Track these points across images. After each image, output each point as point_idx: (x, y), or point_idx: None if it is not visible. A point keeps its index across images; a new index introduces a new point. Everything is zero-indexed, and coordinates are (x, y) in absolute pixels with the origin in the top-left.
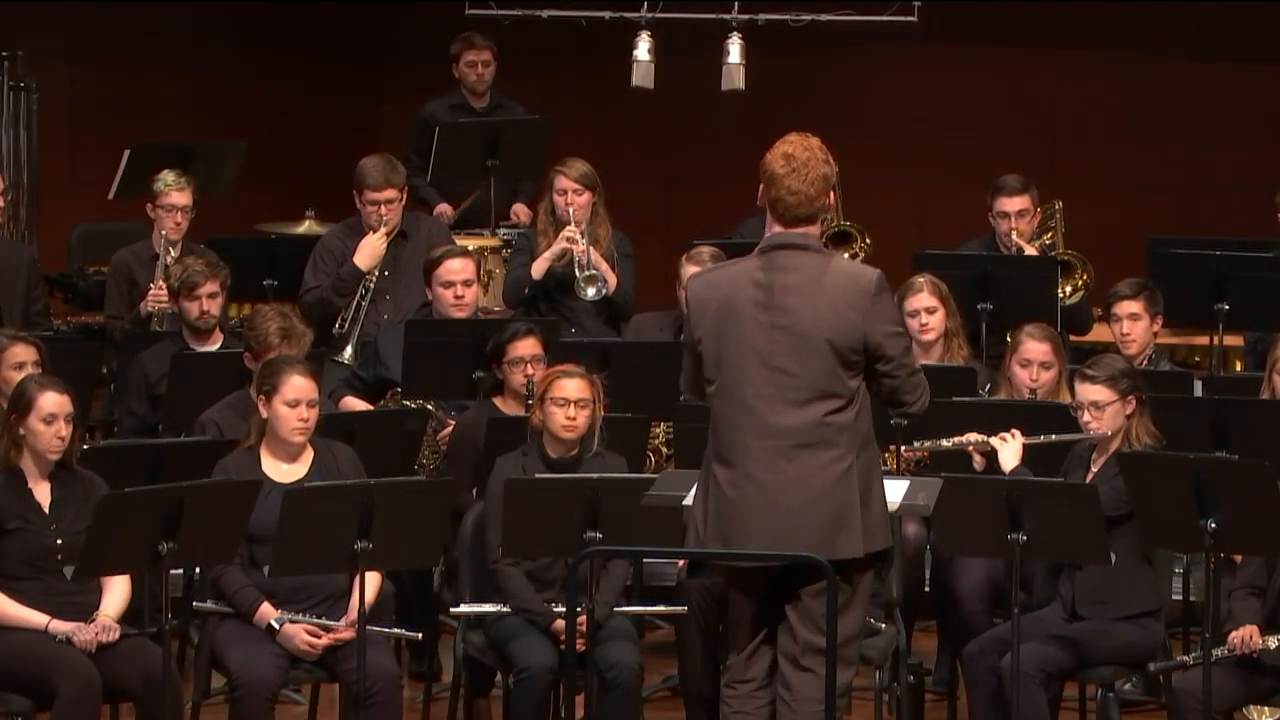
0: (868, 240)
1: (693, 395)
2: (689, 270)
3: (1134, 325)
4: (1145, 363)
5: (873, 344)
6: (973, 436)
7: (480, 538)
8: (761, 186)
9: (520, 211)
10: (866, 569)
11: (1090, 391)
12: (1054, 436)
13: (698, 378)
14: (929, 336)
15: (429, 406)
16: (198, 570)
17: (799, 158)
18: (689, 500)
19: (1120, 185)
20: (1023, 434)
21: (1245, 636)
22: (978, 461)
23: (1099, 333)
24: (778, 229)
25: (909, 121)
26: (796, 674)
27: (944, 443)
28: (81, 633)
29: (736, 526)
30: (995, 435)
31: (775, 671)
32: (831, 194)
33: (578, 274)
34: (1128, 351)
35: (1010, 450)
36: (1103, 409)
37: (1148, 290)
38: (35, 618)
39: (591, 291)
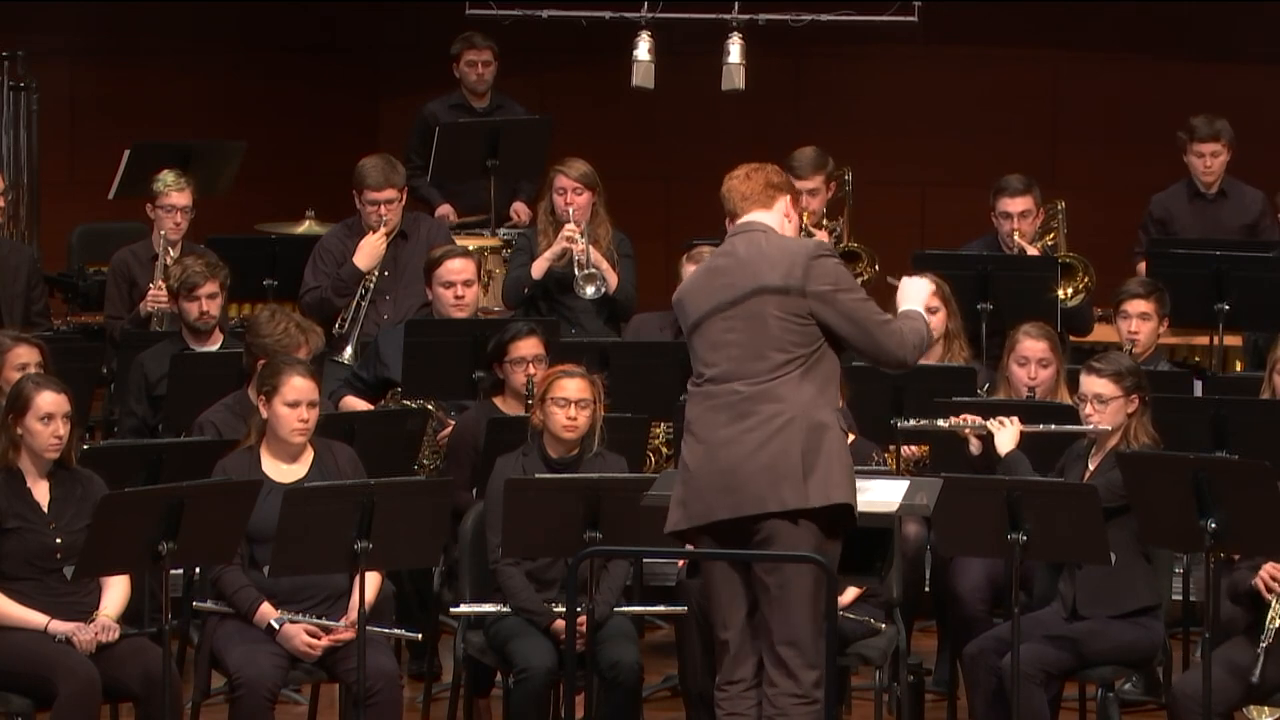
0: (876, 267)
1: None
2: (690, 269)
3: (1143, 325)
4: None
5: (817, 309)
6: (969, 418)
7: (480, 538)
8: (726, 220)
9: (520, 210)
10: (821, 528)
11: (1094, 384)
12: (1053, 426)
13: None
14: None
15: (429, 406)
16: (198, 570)
17: (751, 163)
18: None
19: (1120, 185)
20: (1021, 423)
21: (1270, 571)
22: (974, 445)
23: (1101, 332)
24: (735, 225)
25: (909, 121)
26: (777, 669)
27: (939, 422)
28: (81, 633)
29: (689, 488)
30: (993, 419)
31: (763, 669)
32: (789, 196)
33: (577, 273)
34: (1134, 351)
35: (1007, 435)
36: (1105, 403)
37: (1159, 291)
38: (35, 618)
39: (590, 290)
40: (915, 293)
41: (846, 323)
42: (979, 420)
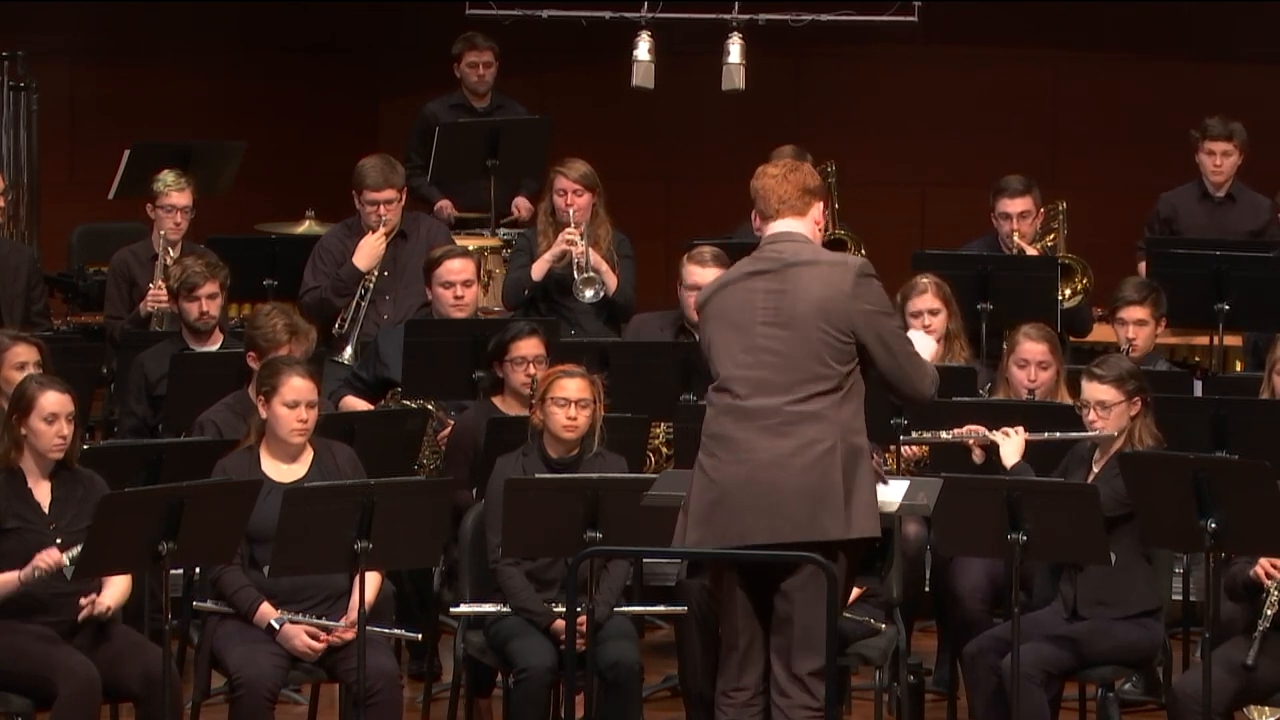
0: (862, 251)
1: None
2: (691, 269)
3: (1140, 330)
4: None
5: (857, 327)
6: (973, 429)
7: (480, 538)
8: (754, 213)
9: (521, 205)
10: (849, 559)
11: (1097, 391)
12: (1058, 434)
13: None
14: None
15: (429, 406)
16: (198, 570)
17: (782, 161)
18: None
19: (1120, 185)
20: (1025, 431)
21: (1271, 559)
22: (977, 455)
23: (1100, 333)
24: (768, 227)
25: (909, 121)
26: (790, 682)
27: (943, 434)
28: (46, 557)
29: (720, 507)
30: (998, 429)
31: (770, 677)
32: (822, 203)
33: (576, 275)
34: (1132, 355)
35: (1012, 446)
36: (1109, 409)
37: (1154, 294)
38: (5, 577)
39: (589, 293)
40: (923, 349)
41: (881, 347)
42: (983, 431)
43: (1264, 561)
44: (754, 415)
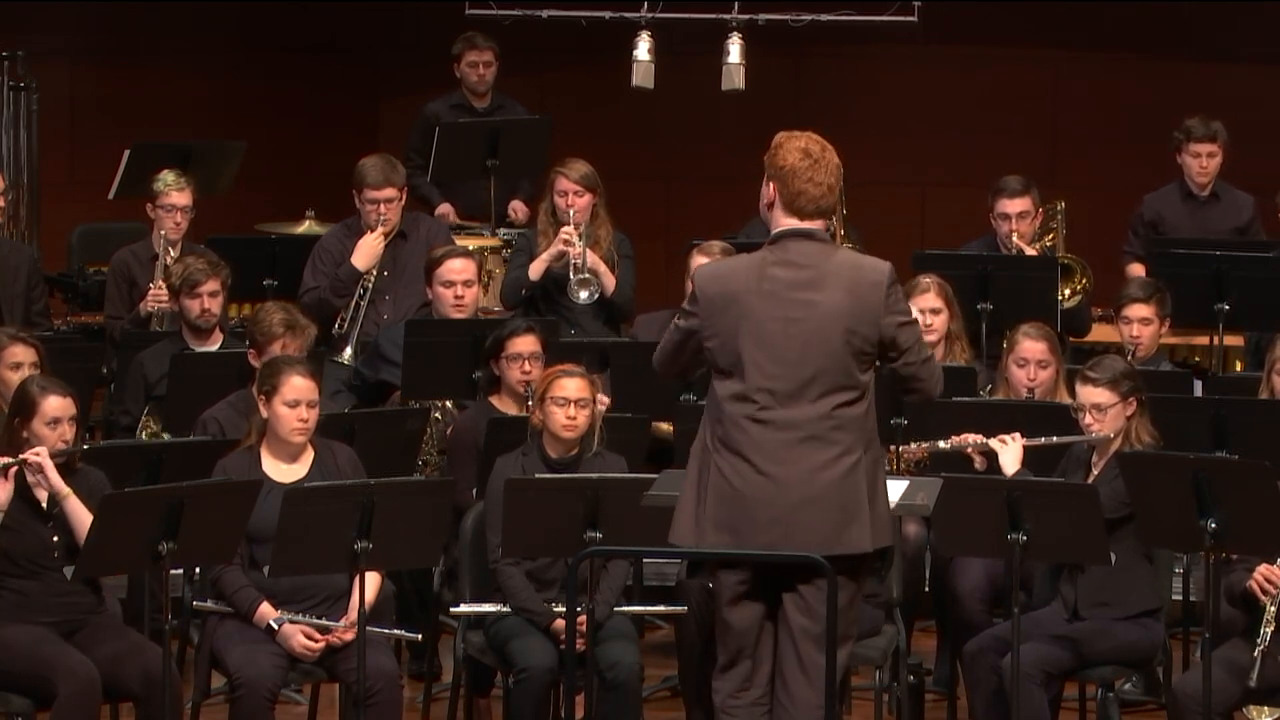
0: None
1: (666, 372)
2: (699, 260)
3: (1144, 329)
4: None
5: (886, 336)
6: (971, 438)
7: (480, 538)
8: (770, 186)
9: (517, 208)
10: (869, 566)
11: (1092, 394)
12: (1055, 439)
13: (677, 357)
14: (931, 338)
15: (434, 404)
16: (198, 570)
17: (815, 153)
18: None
19: (1120, 185)
20: (1023, 435)
21: (1264, 573)
22: (979, 463)
23: (1100, 332)
24: (790, 222)
25: (909, 121)
26: (798, 678)
27: (941, 444)
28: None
29: (745, 518)
30: (995, 437)
31: (774, 679)
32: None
33: (572, 276)
34: (1137, 354)
35: (1011, 453)
36: (1104, 411)
37: (1159, 294)
38: None
39: (584, 295)
40: None
41: (906, 355)
42: (981, 439)
43: (1258, 574)
44: (781, 427)
